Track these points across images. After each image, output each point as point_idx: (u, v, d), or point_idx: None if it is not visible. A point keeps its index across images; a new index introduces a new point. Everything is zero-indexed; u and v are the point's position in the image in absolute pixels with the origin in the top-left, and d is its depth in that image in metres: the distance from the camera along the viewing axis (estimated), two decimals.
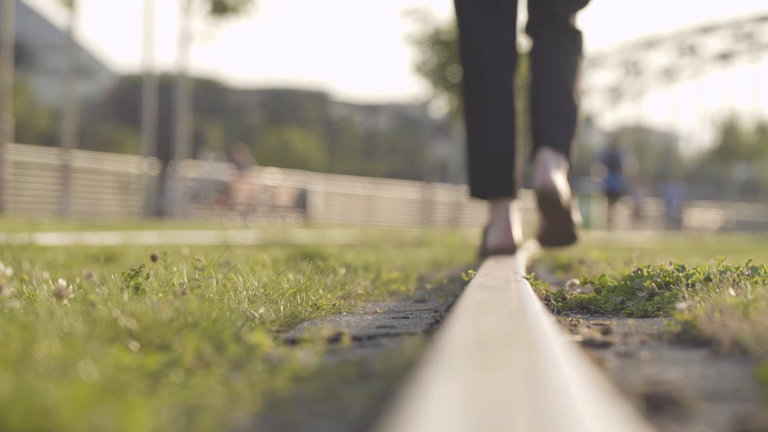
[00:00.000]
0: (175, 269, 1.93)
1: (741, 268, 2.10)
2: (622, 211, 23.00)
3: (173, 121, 20.36)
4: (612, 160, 21.04)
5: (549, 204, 3.28)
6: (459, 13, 3.57)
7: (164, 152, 23.40)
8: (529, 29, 3.62)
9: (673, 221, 30.62)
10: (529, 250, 4.22)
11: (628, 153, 22.33)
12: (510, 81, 3.49)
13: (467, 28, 3.53)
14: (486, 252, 3.44)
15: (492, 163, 3.45)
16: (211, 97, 78.97)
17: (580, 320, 1.92)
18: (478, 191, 3.48)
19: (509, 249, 3.35)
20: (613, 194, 21.30)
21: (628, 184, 21.73)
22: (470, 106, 3.51)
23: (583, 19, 3.69)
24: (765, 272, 2.08)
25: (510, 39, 3.53)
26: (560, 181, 3.29)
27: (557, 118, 3.40)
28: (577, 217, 3.52)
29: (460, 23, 3.58)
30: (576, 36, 3.59)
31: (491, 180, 3.44)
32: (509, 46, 3.51)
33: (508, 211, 3.39)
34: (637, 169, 23.96)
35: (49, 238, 4.71)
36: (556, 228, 3.49)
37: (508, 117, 3.46)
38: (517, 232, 3.41)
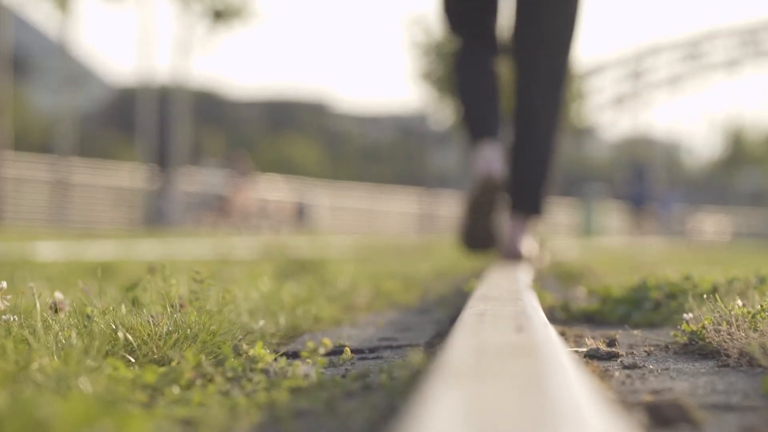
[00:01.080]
0: (173, 281, 1.91)
1: (749, 278, 2.08)
2: (648, 218, 24.50)
3: (171, 131, 20.42)
4: (638, 175, 23.05)
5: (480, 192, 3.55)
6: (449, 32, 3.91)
7: (162, 162, 23.46)
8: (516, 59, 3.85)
9: (669, 227, 30.73)
10: (534, 261, 4.21)
11: (651, 169, 24.38)
12: (493, 71, 3.82)
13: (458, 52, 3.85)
14: (472, 183, 3.63)
15: (478, 129, 3.68)
16: (210, 107, 79.29)
17: (586, 331, 1.91)
18: (473, 136, 3.68)
19: (490, 178, 3.53)
20: (639, 203, 23.00)
21: (653, 194, 23.60)
22: (462, 76, 3.84)
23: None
24: None
25: (492, 64, 3.83)
26: (524, 248, 3.60)
27: (531, 181, 3.70)
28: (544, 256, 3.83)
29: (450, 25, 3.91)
30: (560, 63, 3.79)
31: (478, 128, 3.68)
32: (491, 64, 3.84)
33: (489, 151, 3.58)
34: (655, 183, 25.47)
35: (46, 249, 4.71)
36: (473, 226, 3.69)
37: (493, 92, 3.79)
38: (499, 164, 3.59)
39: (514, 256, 3.60)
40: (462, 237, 3.72)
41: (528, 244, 3.68)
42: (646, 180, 23.07)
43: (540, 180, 3.70)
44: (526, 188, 3.70)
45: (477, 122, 3.66)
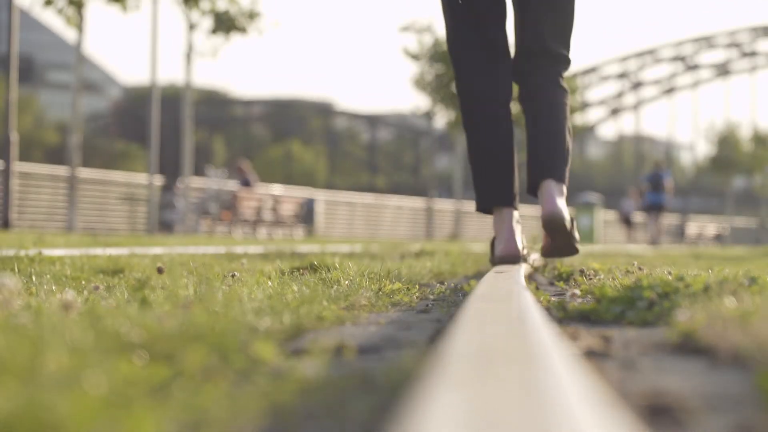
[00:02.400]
0: (184, 280, 1.94)
1: (739, 278, 2.11)
2: (664, 222, 25.87)
3: (179, 135, 20.38)
4: (655, 179, 24.33)
5: (555, 227, 3.65)
6: (453, 52, 3.94)
7: (170, 166, 23.40)
8: (519, 75, 3.94)
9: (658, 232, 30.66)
10: (531, 261, 4.24)
11: (669, 173, 25.38)
12: (505, 112, 3.87)
13: (463, 68, 3.90)
14: (494, 262, 3.79)
15: (493, 181, 3.83)
16: (217, 110, 78.92)
17: (581, 330, 1.93)
18: (482, 204, 3.85)
19: (513, 257, 3.70)
20: (655, 208, 24.43)
21: (669, 200, 24.79)
22: (472, 141, 3.90)
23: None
24: (763, 282, 2.09)
25: (504, 76, 3.89)
26: (564, 206, 3.68)
27: (555, 154, 3.77)
28: (576, 234, 3.83)
29: (455, 64, 3.94)
30: (558, 70, 3.91)
31: (493, 194, 3.82)
32: (504, 83, 3.89)
33: (509, 221, 3.77)
34: (673, 187, 26.42)
35: (56, 253, 4.72)
36: (559, 244, 3.79)
37: (506, 142, 3.86)
38: (519, 242, 3.76)
39: (558, 218, 3.64)
40: (545, 252, 3.85)
41: (565, 205, 3.73)
42: (661, 186, 24.30)
43: (564, 157, 3.80)
44: (554, 156, 3.77)
45: (494, 186, 3.81)
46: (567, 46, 3.92)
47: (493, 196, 3.79)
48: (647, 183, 24.87)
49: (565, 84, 3.92)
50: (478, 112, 3.87)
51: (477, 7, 3.86)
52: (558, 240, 3.74)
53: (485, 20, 3.88)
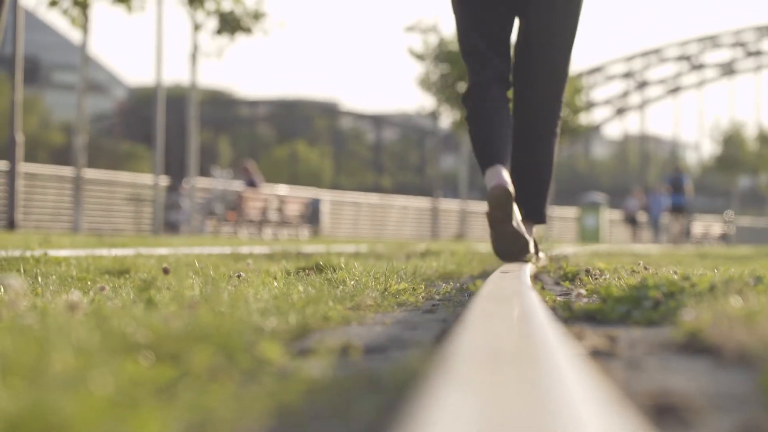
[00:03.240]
0: (190, 281, 1.94)
1: (745, 278, 2.11)
2: (683, 222, 27.64)
3: (185, 136, 20.40)
4: (676, 182, 26.36)
5: (497, 201, 3.94)
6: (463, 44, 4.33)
7: (175, 166, 23.44)
8: (515, 88, 4.39)
9: (658, 231, 30.83)
10: (537, 262, 4.24)
11: (689, 176, 27.42)
12: (504, 98, 4.26)
13: (476, 82, 4.28)
14: (487, 197, 4.01)
15: (489, 148, 4.13)
16: (222, 110, 78.97)
17: (587, 330, 1.93)
18: (483, 164, 4.12)
19: (503, 188, 3.91)
20: (677, 210, 26.49)
21: (689, 201, 26.94)
22: (474, 111, 4.27)
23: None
24: None
25: (503, 90, 4.28)
26: (510, 186, 3.97)
27: (533, 192, 4.29)
28: (527, 236, 4.09)
29: (470, 77, 4.33)
30: (555, 103, 4.39)
31: (489, 155, 4.10)
32: (503, 96, 4.27)
33: (500, 172, 4.02)
34: (692, 189, 28.54)
35: (61, 254, 4.73)
36: (500, 232, 4.04)
37: (505, 119, 4.22)
38: (508, 179, 4.01)
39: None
40: (495, 249, 4.00)
41: (532, 245, 4.10)
42: (682, 189, 26.12)
43: (541, 194, 4.31)
44: (530, 201, 4.28)
45: (490, 150, 4.09)
46: (560, 99, 4.41)
47: (489, 157, 4.07)
48: (669, 185, 26.68)
49: (559, 124, 4.41)
50: (482, 93, 4.23)
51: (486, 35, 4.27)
52: (498, 225, 3.95)
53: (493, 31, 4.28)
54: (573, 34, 4.33)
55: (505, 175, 3.97)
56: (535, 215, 4.30)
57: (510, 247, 3.93)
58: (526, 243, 3.97)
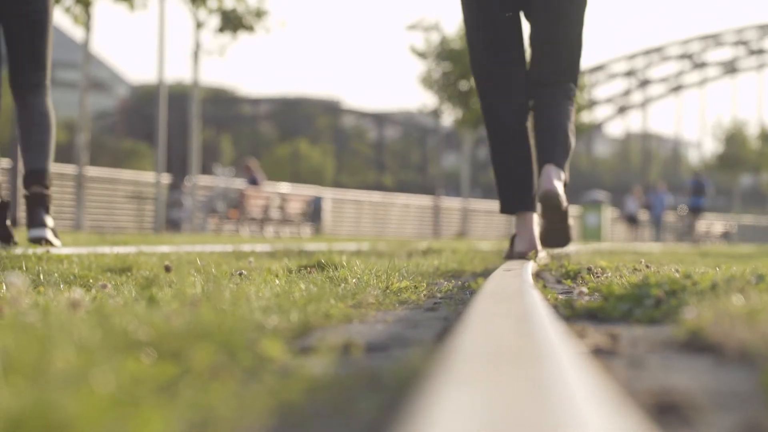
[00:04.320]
0: (191, 278, 1.94)
1: (747, 276, 2.11)
2: (702, 223, 29.85)
3: (187, 134, 20.40)
4: (697, 185, 28.50)
5: (550, 205, 4.16)
6: (477, 79, 4.56)
7: (177, 164, 23.42)
8: (532, 88, 4.51)
9: (659, 229, 31.03)
10: (539, 259, 4.25)
11: (709, 181, 29.63)
12: (523, 129, 4.47)
13: (486, 93, 4.51)
14: (513, 256, 4.38)
15: (516, 189, 4.43)
16: (224, 108, 79.01)
17: (589, 328, 1.93)
18: (507, 208, 4.46)
19: (534, 247, 4.29)
20: (697, 211, 28.74)
21: (708, 203, 29.12)
22: (496, 153, 4.49)
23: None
24: None
25: (520, 98, 4.48)
26: (560, 188, 4.20)
27: (557, 145, 4.32)
28: (571, 221, 4.44)
29: (479, 89, 4.55)
30: (569, 90, 4.51)
31: (517, 200, 4.42)
32: (521, 104, 4.48)
33: (531, 222, 4.36)
34: (714, 193, 31.29)
35: (63, 252, 4.74)
36: (554, 227, 4.41)
37: (525, 155, 4.44)
38: (538, 242, 4.37)
39: (552, 194, 4.16)
40: (541, 238, 4.44)
41: (561, 187, 4.26)
42: (703, 192, 28.29)
43: (566, 149, 4.35)
44: (556, 147, 4.31)
45: (520, 194, 4.41)
46: (575, 79, 4.53)
47: (518, 202, 4.39)
48: (690, 188, 28.70)
49: (574, 98, 4.50)
50: (500, 129, 4.46)
51: (497, 32, 4.45)
52: (552, 221, 4.31)
53: (504, 44, 4.46)
54: (582, 12, 4.47)
55: (536, 231, 4.34)
56: (555, 158, 4.29)
57: (553, 242, 4.42)
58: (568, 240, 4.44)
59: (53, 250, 4.59)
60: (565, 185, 4.32)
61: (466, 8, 4.50)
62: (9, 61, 5.09)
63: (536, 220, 4.36)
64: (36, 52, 5.08)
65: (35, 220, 4.96)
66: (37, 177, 5.01)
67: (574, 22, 4.46)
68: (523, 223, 4.35)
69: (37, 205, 4.98)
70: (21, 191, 16.42)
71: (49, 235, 4.97)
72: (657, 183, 34.71)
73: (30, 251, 4.42)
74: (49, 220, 5.02)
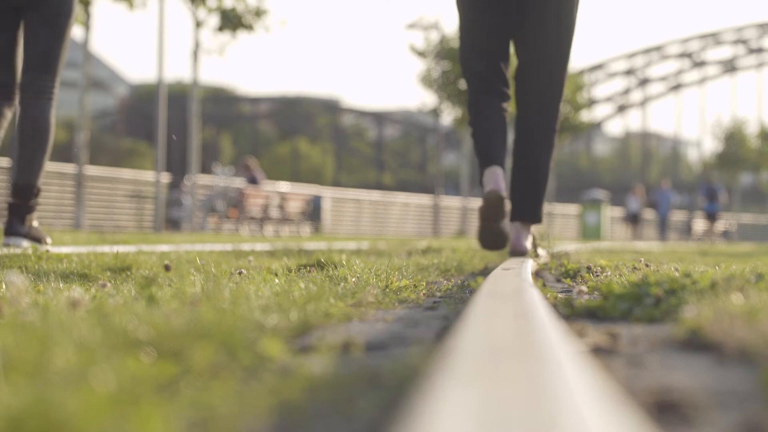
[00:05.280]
0: (191, 278, 1.94)
1: (746, 275, 2.11)
2: (718, 227, 31.94)
3: (186, 133, 20.39)
4: (710, 192, 30.74)
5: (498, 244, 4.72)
6: (468, 80, 4.90)
7: (177, 163, 23.40)
8: (517, 127, 4.96)
9: (665, 228, 31.13)
10: (539, 258, 4.26)
11: (722, 187, 32.00)
12: (503, 124, 4.83)
13: (475, 90, 4.85)
14: (483, 197, 4.67)
15: (487, 158, 4.75)
16: (224, 107, 78.99)
17: (588, 327, 1.93)
18: (482, 164, 4.74)
19: (496, 193, 4.59)
20: (711, 216, 31.03)
21: (722, 209, 31.57)
22: (476, 119, 4.85)
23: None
24: None
25: (501, 102, 4.84)
26: (528, 244, 4.78)
27: (530, 200, 4.82)
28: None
29: (469, 85, 4.90)
30: (550, 130, 4.89)
31: (488, 157, 4.73)
32: (500, 108, 4.84)
33: (496, 173, 4.65)
34: (727, 199, 33.66)
35: (63, 251, 4.74)
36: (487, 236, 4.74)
37: (499, 127, 4.82)
38: (503, 184, 4.68)
39: (519, 252, 4.69)
40: (479, 239, 4.72)
41: (530, 243, 4.79)
42: (716, 197, 30.35)
43: (537, 197, 4.83)
44: (527, 204, 4.81)
45: (488, 152, 4.70)
46: (556, 114, 4.89)
47: (487, 159, 4.70)
48: (704, 195, 30.88)
49: (555, 136, 4.90)
50: (485, 132, 4.79)
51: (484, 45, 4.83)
52: (486, 221, 4.66)
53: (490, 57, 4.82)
54: (566, 56, 4.86)
55: (500, 178, 4.63)
56: (531, 216, 4.83)
57: (493, 240, 4.65)
58: (506, 240, 4.67)
59: (53, 249, 4.66)
60: (534, 239, 4.94)
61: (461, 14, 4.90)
62: (24, 63, 5.09)
63: (501, 173, 4.70)
64: (49, 53, 5.07)
65: (10, 229, 5.17)
66: (22, 190, 5.18)
67: (562, 55, 4.84)
68: (490, 174, 4.66)
69: (16, 215, 5.17)
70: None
71: (24, 243, 5.15)
72: (662, 181, 34.96)
73: (30, 250, 4.43)
74: (23, 230, 5.19)
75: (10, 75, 5.11)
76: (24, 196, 5.16)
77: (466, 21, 4.89)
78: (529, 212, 4.81)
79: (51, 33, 5.06)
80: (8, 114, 5.15)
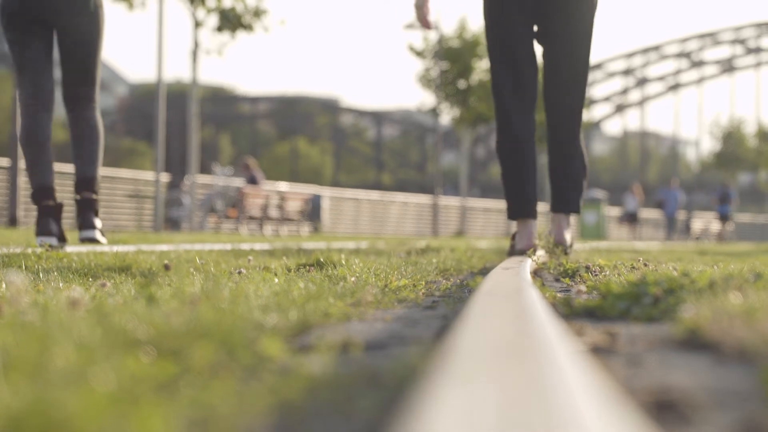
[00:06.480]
0: (191, 277, 1.94)
1: (744, 274, 2.11)
2: (728, 227, 33.40)
3: (186, 133, 20.38)
4: (723, 195, 32.51)
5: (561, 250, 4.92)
6: (496, 96, 4.98)
7: (176, 163, 23.38)
8: (548, 124, 5.10)
9: (672, 228, 31.28)
10: (538, 258, 4.26)
11: (734, 191, 33.48)
12: (531, 142, 4.96)
13: (504, 108, 4.95)
14: (514, 252, 4.89)
15: (522, 199, 4.96)
16: (223, 107, 78.96)
17: (587, 326, 1.93)
18: (514, 215, 4.99)
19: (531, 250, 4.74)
20: (723, 217, 32.73)
21: (733, 211, 33.30)
22: (506, 165, 4.99)
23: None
24: None
25: (532, 114, 4.99)
26: (568, 237, 5.05)
27: (569, 192, 5.04)
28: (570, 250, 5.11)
29: (497, 104, 5.00)
30: (578, 128, 5.06)
31: (522, 209, 4.96)
32: (531, 120, 4.98)
33: (531, 226, 4.93)
34: (738, 201, 34.92)
35: (62, 250, 4.75)
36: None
37: (531, 168, 4.96)
38: (536, 240, 4.93)
39: (561, 243, 4.99)
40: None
41: (569, 235, 5.07)
42: (728, 200, 32.04)
43: (575, 188, 5.04)
44: (565, 195, 5.03)
45: (524, 205, 4.92)
46: (580, 111, 5.05)
47: (522, 211, 4.92)
48: (717, 198, 32.56)
49: (582, 143, 5.09)
50: (514, 143, 4.93)
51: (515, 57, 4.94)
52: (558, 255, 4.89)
53: (521, 68, 4.94)
54: (587, 60, 5.01)
55: (535, 233, 4.90)
56: (569, 207, 5.04)
57: None
58: None
59: (68, 248, 4.90)
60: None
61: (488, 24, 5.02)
62: (62, 76, 5.43)
63: (536, 225, 4.94)
64: (87, 70, 5.39)
65: (86, 223, 5.36)
66: (87, 183, 5.41)
67: (585, 47, 4.98)
68: (524, 226, 4.92)
69: (88, 209, 5.39)
70: (21, 190, 16.37)
71: (98, 235, 5.38)
72: (671, 180, 35.40)
73: (29, 250, 4.43)
74: (98, 222, 5.42)
75: (50, 82, 5.39)
76: (91, 189, 5.39)
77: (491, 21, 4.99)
78: (567, 203, 5.04)
79: (85, 53, 5.38)
80: (50, 119, 5.38)
